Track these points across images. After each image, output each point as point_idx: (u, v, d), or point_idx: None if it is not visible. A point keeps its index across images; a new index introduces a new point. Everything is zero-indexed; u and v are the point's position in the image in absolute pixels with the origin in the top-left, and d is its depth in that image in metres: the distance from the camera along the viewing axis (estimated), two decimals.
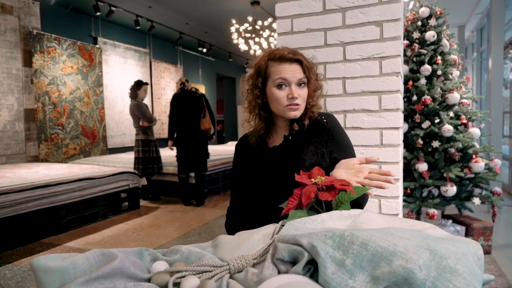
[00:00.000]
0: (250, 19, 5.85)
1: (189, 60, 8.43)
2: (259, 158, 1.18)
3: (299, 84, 1.11)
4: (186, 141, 4.42)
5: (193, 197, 4.67)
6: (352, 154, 1.15)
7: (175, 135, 4.50)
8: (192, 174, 4.67)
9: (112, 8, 5.34)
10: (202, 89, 8.88)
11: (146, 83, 4.67)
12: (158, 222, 3.79)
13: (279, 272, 0.60)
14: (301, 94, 1.11)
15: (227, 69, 10.25)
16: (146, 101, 7.00)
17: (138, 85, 4.59)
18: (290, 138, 1.15)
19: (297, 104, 1.10)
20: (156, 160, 4.70)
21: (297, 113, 1.11)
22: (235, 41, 6.32)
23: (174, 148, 4.54)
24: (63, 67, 5.17)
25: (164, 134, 7.54)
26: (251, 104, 1.19)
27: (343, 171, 0.94)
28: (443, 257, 0.55)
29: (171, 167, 4.84)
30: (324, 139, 1.12)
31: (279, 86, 1.10)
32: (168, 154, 5.18)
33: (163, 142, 7.48)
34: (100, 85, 5.81)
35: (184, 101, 4.42)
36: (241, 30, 6.12)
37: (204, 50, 7.89)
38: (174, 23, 6.51)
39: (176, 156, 4.49)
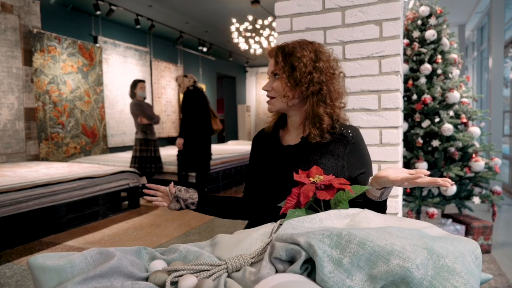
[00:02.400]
0: (250, 18, 5.85)
1: (189, 59, 8.43)
2: (272, 153, 1.17)
3: (273, 76, 1.12)
4: (198, 140, 4.35)
5: None
6: (369, 171, 1.13)
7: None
8: (193, 174, 4.65)
9: (112, 7, 5.33)
10: (202, 88, 8.88)
11: (142, 81, 4.65)
12: (158, 221, 3.79)
13: (276, 271, 0.60)
14: (274, 87, 1.11)
15: (227, 68, 10.24)
16: (147, 100, 7.01)
17: (135, 84, 4.60)
18: (308, 141, 1.10)
19: (269, 97, 1.12)
20: (154, 159, 4.70)
21: (269, 107, 1.13)
22: (235, 40, 6.31)
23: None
24: (63, 66, 5.17)
25: (165, 133, 7.53)
26: None
27: (392, 169, 0.90)
28: (441, 256, 0.55)
29: (171, 166, 4.84)
30: (346, 153, 1.08)
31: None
32: (168, 154, 5.17)
33: (164, 141, 7.48)
34: (100, 84, 5.81)
35: (197, 99, 4.35)
36: (241, 29, 6.12)
37: (204, 49, 7.88)
38: (174, 22, 6.50)
39: (181, 155, 4.39)
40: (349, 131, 1.11)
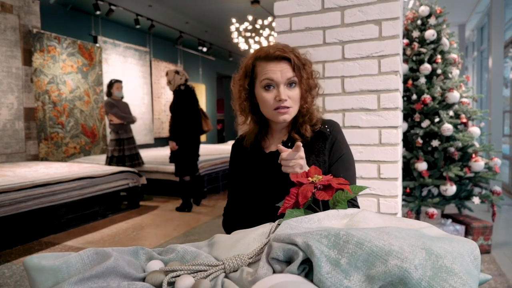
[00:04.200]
0: (250, 18, 5.84)
1: (189, 59, 8.42)
2: (254, 162, 1.14)
3: (289, 84, 1.03)
4: (190, 143, 4.23)
5: (191, 196, 4.66)
6: (350, 164, 1.11)
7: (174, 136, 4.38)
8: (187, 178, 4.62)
9: (112, 7, 5.33)
10: (202, 88, 8.88)
11: (119, 81, 4.64)
12: (158, 221, 3.79)
13: (274, 272, 0.59)
14: (291, 96, 1.03)
15: (227, 68, 10.24)
16: (147, 99, 7.02)
17: (111, 84, 4.60)
18: (289, 144, 1.09)
19: (286, 107, 1.02)
20: (130, 157, 4.66)
21: (286, 117, 1.04)
22: (235, 40, 6.31)
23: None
24: (63, 66, 5.16)
25: (165, 133, 7.53)
26: (241, 107, 1.12)
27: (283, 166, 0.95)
28: (439, 257, 0.54)
29: (169, 166, 4.83)
30: (327, 148, 1.08)
31: (267, 88, 1.03)
32: (168, 154, 5.16)
33: (164, 141, 7.47)
34: (100, 84, 5.81)
35: (188, 100, 4.21)
36: (241, 29, 6.11)
37: (204, 49, 7.88)
38: (174, 22, 6.50)
39: (175, 159, 4.26)
40: (326, 126, 1.11)
